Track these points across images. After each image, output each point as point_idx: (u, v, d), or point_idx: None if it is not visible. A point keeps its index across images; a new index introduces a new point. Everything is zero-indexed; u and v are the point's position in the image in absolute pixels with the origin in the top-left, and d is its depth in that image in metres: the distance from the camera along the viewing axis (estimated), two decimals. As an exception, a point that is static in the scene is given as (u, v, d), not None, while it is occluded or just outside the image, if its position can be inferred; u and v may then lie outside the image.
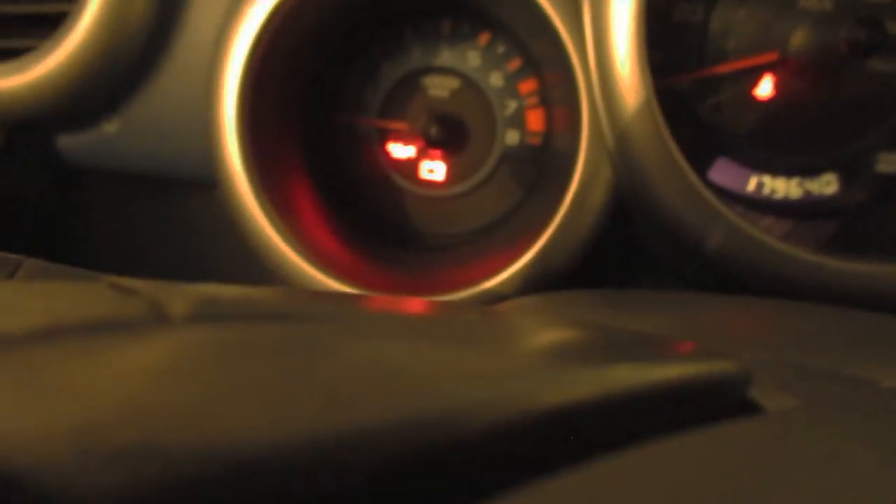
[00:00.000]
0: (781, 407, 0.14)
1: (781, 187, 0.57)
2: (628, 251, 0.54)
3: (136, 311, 0.12)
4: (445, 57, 0.58)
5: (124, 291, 0.14)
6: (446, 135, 0.56)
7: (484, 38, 0.57)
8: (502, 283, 0.46)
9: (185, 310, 0.13)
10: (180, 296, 0.13)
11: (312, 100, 0.58)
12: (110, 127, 0.56)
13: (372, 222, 0.60)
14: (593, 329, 0.19)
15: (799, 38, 0.50)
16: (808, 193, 0.57)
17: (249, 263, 0.52)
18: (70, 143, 0.58)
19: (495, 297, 0.46)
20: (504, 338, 0.16)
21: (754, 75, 0.54)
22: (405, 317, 0.16)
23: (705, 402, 0.13)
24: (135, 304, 0.13)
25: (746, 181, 0.57)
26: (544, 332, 0.17)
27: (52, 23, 0.51)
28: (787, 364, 0.20)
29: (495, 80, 0.58)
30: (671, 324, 0.32)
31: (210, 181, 0.52)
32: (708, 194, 0.46)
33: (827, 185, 0.57)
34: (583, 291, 0.40)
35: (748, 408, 0.14)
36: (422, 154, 0.60)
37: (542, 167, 0.59)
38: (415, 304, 0.21)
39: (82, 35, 0.50)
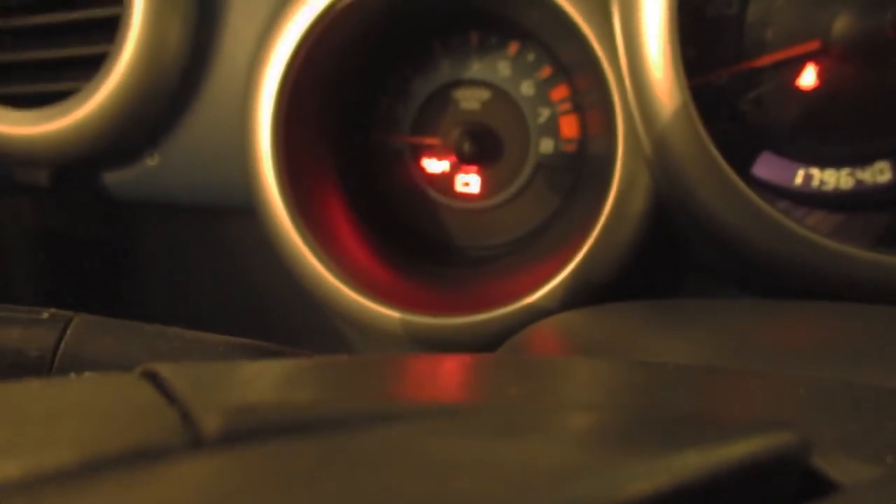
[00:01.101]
0: (854, 478, 0.13)
1: (831, 179, 0.55)
2: (672, 256, 0.52)
3: (169, 432, 0.12)
4: (475, 69, 0.58)
5: (158, 400, 0.13)
6: (479, 150, 0.55)
7: (513, 47, 0.57)
8: (545, 297, 0.46)
9: (219, 426, 0.12)
10: (214, 407, 0.13)
11: (345, 121, 0.58)
12: (151, 161, 0.58)
13: (409, 239, 0.60)
14: (631, 393, 0.19)
15: (843, 25, 0.48)
16: (860, 183, 0.55)
17: (292, 285, 0.52)
18: (114, 178, 0.60)
19: (539, 312, 0.45)
20: (557, 423, 0.15)
21: (796, 65, 0.52)
22: (449, 410, 0.16)
23: (769, 480, 0.13)
24: (168, 419, 0.13)
25: (793, 174, 0.55)
26: (595, 412, 0.16)
27: (93, 64, 0.52)
28: (845, 398, 0.19)
29: (526, 88, 0.57)
30: (721, 342, 0.31)
31: (250, 207, 0.53)
32: (750, 193, 0.44)
33: (880, 173, 0.55)
34: (627, 305, 0.39)
35: (814, 480, 0.13)
36: (456, 168, 0.59)
37: (578, 173, 0.58)
38: (455, 370, 0.21)
39: (121, 75, 0.51)
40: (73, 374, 0.18)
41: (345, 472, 0.12)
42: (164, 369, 0.14)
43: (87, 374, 0.16)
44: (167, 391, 0.14)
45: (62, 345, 0.24)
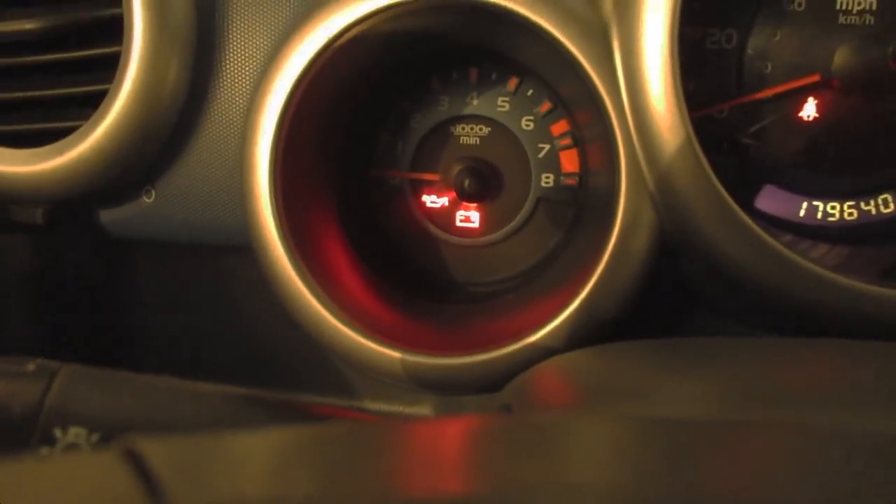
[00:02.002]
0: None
1: (835, 211, 0.54)
2: (676, 293, 0.52)
3: None
4: (474, 104, 0.57)
5: (137, 491, 0.12)
6: (480, 186, 0.55)
7: (512, 83, 0.57)
8: (549, 336, 0.45)
9: None
10: (195, 502, 0.12)
11: (344, 158, 0.58)
12: (148, 198, 0.57)
13: (409, 276, 0.59)
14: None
15: (843, 58, 0.48)
16: (864, 215, 0.54)
17: (290, 325, 0.51)
18: (110, 216, 0.59)
19: (543, 351, 0.44)
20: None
21: (796, 99, 0.52)
22: None
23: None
24: None
25: (797, 207, 0.54)
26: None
27: (91, 103, 0.52)
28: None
29: (526, 123, 0.57)
30: (729, 385, 0.30)
31: (248, 245, 0.52)
32: (755, 227, 0.44)
33: (884, 205, 0.54)
34: (632, 345, 0.38)
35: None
36: (456, 203, 0.59)
37: (579, 208, 0.57)
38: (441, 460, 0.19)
39: (119, 113, 0.51)
40: (58, 431, 0.17)
41: None
42: (146, 447, 0.13)
43: (65, 453, 0.15)
44: (148, 476, 0.13)
45: (47, 398, 0.23)
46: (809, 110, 0.52)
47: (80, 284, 0.69)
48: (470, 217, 0.59)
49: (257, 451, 0.15)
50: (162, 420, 0.25)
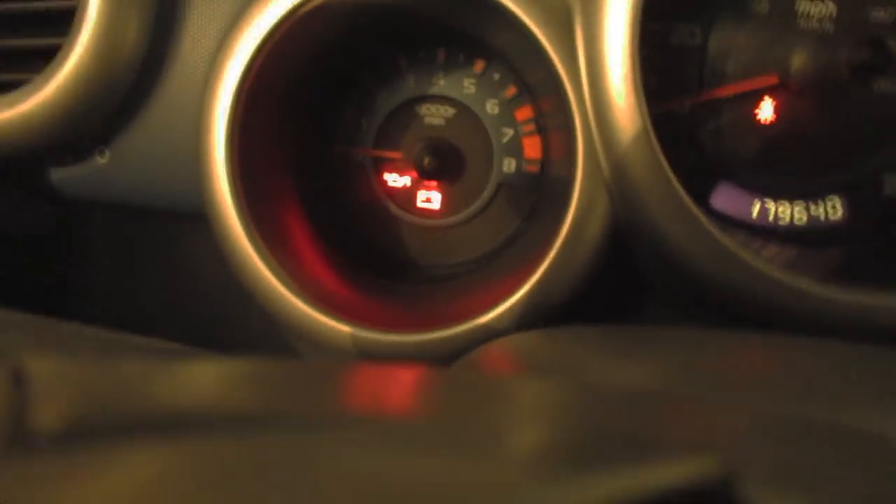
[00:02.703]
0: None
1: (786, 213, 0.56)
2: (627, 281, 0.52)
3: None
4: (441, 85, 0.57)
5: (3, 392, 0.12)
6: (440, 166, 0.55)
7: (479, 65, 0.57)
8: (499, 318, 0.45)
9: (51, 424, 0.11)
10: (58, 403, 0.12)
11: (306, 130, 0.57)
12: (102, 159, 0.56)
13: (367, 254, 0.59)
14: (570, 413, 0.18)
15: (799, 61, 0.49)
16: (813, 219, 0.56)
17: (243, 294, 0.51)
18: (62, 175, 0.58)
19: (492, 332, 0.44)
20: (493, 440, 0.14)
21: (754, 98, 0.53)
22: (383, 422, 0.15)
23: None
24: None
25: (750, 207, 0.55)
26: (530, 422, 0.16)
27: (45, 56, 0.51)
28: (783, 430, 0.18)
29: (491, 107, 0.57)
30: (668, 369, 0.31)
31: (202, 212, 0.51)
32: (707, 223, 0.45)
33: (832, 209, 0.56)
34: (580, 328, 0.39)
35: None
36: (418, 183, 0.59)
37: (539, 195, 0.58)
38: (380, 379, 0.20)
39: (73, 68, 0.49)
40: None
41: (189, 484, 0.10)
42: (38, 363, 0.13)
43: None
44: (23, 383, 0.12)
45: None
46: (766, 111, 0.53)
47: (29, 242, 0.67)
48: (431, 198, 0.59)
49: (155, 371, 0.15)
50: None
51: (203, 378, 0.15)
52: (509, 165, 0.58)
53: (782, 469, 0.15)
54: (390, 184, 0.59)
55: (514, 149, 0.57)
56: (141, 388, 0.14)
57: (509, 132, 0.57)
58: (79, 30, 0.49)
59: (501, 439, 0.15)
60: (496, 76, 0.57)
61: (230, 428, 0.12)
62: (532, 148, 0.57)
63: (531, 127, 0.57)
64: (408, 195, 0.59)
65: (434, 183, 0.58)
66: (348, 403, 0.18)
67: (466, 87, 0.57)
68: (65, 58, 0.49)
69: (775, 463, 0.15)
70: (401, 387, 0.21)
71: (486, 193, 0.58)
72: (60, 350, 0.23)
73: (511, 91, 0.56)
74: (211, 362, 0.16)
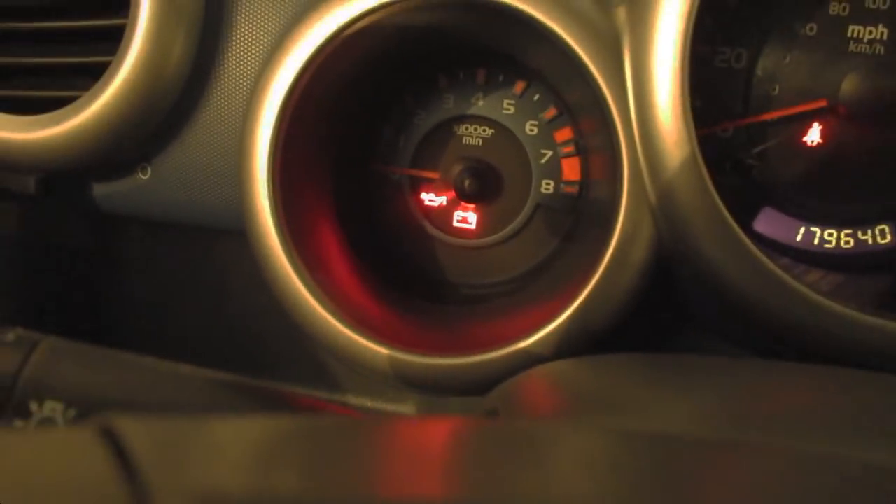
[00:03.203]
0: None
1: (832, 238, 0.54)
2: (670, 309, 0.51)
3: None
4: (479, 105, 0.57)
5: (112, 472, 0.12)
6: (479, 187, 0.54)
7: (519, 86, 0.56)
8: (539, 343, 0.44)
9: None
10: (176, 492, 0.11)
11: (345, 150, 0.57)
12: (144, 175, 0.56)
13: (403, 273, 0.59)
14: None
15: (851, 85, 0.48)
16: (860, 244, 0.54)
17: (280, 312, 0.51)
18: (104, 190, 0.58)
19: (532, 358, 0.44)
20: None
21: (802, 123, 0.51)
22: None
23: None
24: (122, 500, 0.11)
25: (794, 232, 0.54)
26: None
27: (93, 74, 0.51)
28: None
29: (530, 128, 0.56)
30: (716, 405, 0.30)
31: (242, 230, 0.51)
32: (753, 247, 0.44)
33: (881, 235, 0.54)
34: (622, 357, 0.38)
35: None
36: (454, 203, 0.58)
37: (577, 217, 0.57)
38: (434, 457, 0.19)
39: (120, 86, 0.50)
40: (33, 404, 0.17)
41: None
42: (124, 426, 0.13)
43: (39, 427, 0.14)
44: (125, 457, 0.12)
45: (24, 370, 0.23)
46: (814, 135, 0.52)
47: (69, 256, 0.68)
48: (467, 218, 0.59)
49: (239, 438, 0.15)
50: (141, 400, 0.25)
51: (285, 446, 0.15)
52: (547, 187, 0.57)
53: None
54: (427, 203, 0.59)
55: (553, 170, 0.57)
56: (242, 468, 0.13)
57: (548, 153, 0.57)
58: (127, 47, 0.49)
59: None
60: (536, 97, 0.56)
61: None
62: (571, 169, 0.56)
63: (570, 148, 0.56)
64: (444, 215, 0.59)
65: (471, 203, 0.58)
66: (391, 486, 0.17)
67: (506, 107, 0.57)
68: (113, 75, 0.50)
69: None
70: (450, 456, 0.20)
71: (524, 214, 0.58)
72: (128, 385, 0.23)
73: (551, 112, 0.56)
74: (270, 423, 0.16)
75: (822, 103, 0.50)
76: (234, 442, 0.14)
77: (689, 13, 0.42)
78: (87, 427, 0.13)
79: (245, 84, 0.52)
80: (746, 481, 0.18)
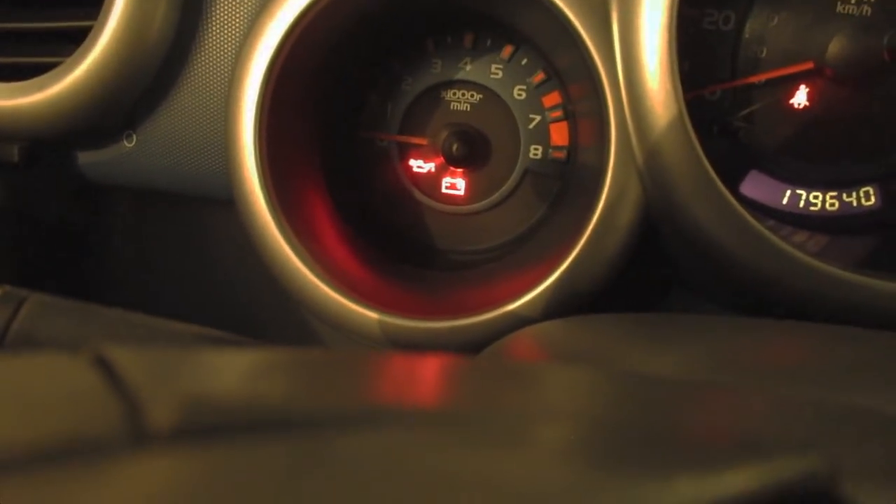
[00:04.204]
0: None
1: (818, 200, 0.55)
2: (657, 270, 0.52)
3: (111, 424, 0.11)
4: (467, 70, 0.57)
5: (104, 386, 0.12)
6: (467, 152, 0.54)
7: (507, 50, 0.56)
8: (527, 306, 0.45)
9: (167, 421, 0.11)
10: (166, 398, 0.12)
11: (332, 116, 0.57)
12: (129, 143, 0.56)
13: (392, 240, 0.59)
14: (636, 405, 0.18)
15: (838, 47, 0.48)
16: (845, 206, 0.55)
17: (268, 280, 0.51)
18: (88, 159, 0.58)
19: (520, 320, 0.44)
20: (543, 436, 0.14)
21: (789, 85, 0.52)
22: (431, 417, 0.14)
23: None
24: (112, 409, 0.11)
25: (780, 195, 0.55)
26: (600, 428, 0.15)
27: (75, 39, 0.50)
28: (857, 423, 0.18)
29: (518, 93, 0.56)
30: (704, 357, 0.30)
31: (229, 198, 0.51)
32: (740, 209, 0.44)
33: (866, 197, 0.55)
34: (610, 317, 0.39)
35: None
36: (443, 169, 0.58)
37: (566, 182, 0.57)
38: (431, 375, 0.20)
39: (103, 51, 0.49)
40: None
41: (321, 482, 0.10)
42: (118, 352, 0.13)
43: (30, 352, 0.14)
44: (116, 377, 0.12)
45: (13, 324, 0.23)
46: (800, 98, 0.52)
47: (55, 225, 0.68)
48: (456, 184, 0.59)
49: (233, 362, 0.15)
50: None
51: (268, 369, 0.15)
52: (535, 152, 0.57)
53: (877, 465, 0.14)
54: (415, 170, 0.59)
55: (541, 135, 0.57)
56: (233, 381, 0.14)
57: (536, 118, 0.57)
58: (108, 12, 0.48)
59: (591, 436, 0.15)
60: (524, 61, 0.56)
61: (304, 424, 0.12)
62: (559, 134, 0.56)
63: (559, 113, 0.56)
64: (433, 181, 0.59)
65: (459, 169, 0.58)
66: (381, 396, 0.18)
67: (493, 72, 0.56)
68: (95, 39, 0.49)
69: (866, 458, 0.14)
70: (434, 377, 0.21)
71: (512, 180, 0.58)
72: (119, 337, 0.23)
73: (539, 77, 0.56)
74: (262, 351, 0.16)
75: (809, 65, 0.50)
76: (225, 363, 0.15)
77: (677, -27, 0.41)
78: (79, 354, 0.13)
79: (230, 49, 0.52)
80: (725, 411, 0.19)
